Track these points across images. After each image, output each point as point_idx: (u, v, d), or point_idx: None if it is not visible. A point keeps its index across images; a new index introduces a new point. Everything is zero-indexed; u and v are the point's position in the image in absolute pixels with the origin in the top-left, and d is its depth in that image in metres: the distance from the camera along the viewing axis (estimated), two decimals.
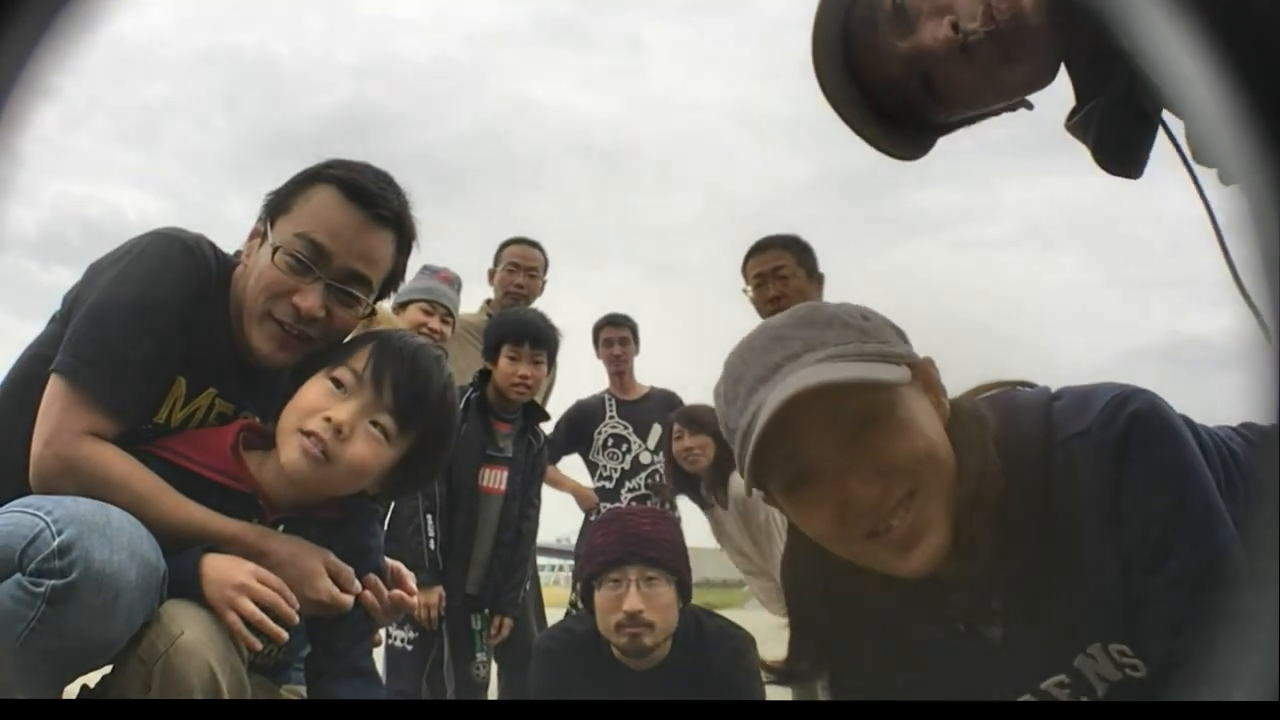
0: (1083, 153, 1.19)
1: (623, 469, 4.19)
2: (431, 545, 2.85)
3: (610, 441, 4.21)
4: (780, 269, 3.07)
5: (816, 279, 3.09)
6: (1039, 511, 1.00)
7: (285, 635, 1.34)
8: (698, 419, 3.65)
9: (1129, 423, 0.97)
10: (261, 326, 1.43)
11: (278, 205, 1.46)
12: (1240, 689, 0.49)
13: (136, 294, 1.40)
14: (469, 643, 2.99)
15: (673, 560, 2.35)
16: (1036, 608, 1.02)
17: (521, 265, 3.86)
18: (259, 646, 1.32)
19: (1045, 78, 1.16)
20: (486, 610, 3.03)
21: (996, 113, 1.22)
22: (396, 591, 1.56)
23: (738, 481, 4.04)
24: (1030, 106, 1.19)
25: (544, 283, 3.91)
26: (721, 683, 2.31)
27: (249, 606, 1.30)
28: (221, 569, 1.32)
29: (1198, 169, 1.05)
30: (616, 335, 4.29)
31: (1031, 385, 1.14)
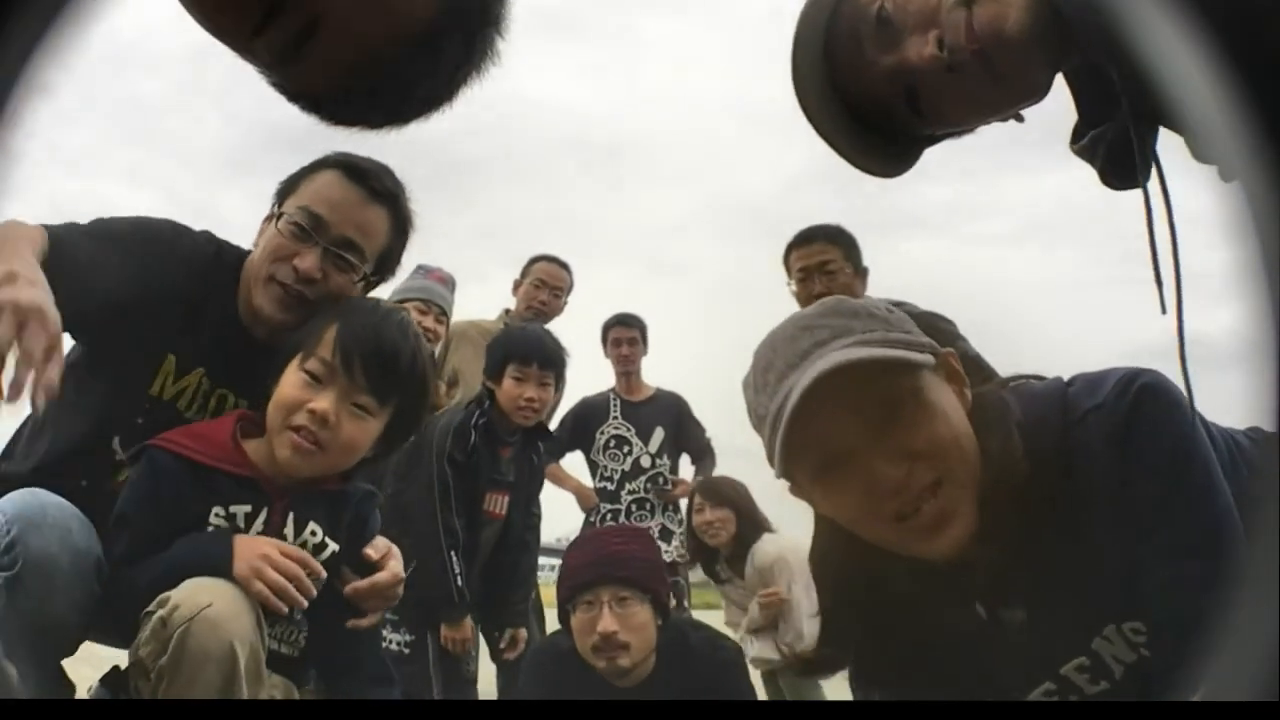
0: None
1: (623, 470, 4.18)
2: (459, 581, 2.82)
3: (612, 442, 4.20)
4: (827, 263, 2.89)
5: (861, 273, 2.95)
6: (1059, 492, 1.02)
7: (304, 602, 1.43)
8: (719, 492, 3.65)
9: (1139, 394, 1.00)
10: (266, 289, 1.57)
11: (287, 188, 1.62)
12: (1240, 689, 0.49)
13: (130, 221, 1.57)
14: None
15: (645, 578, 2.32)
16: (1057, 589, 1.04)
17: (548, 283, 3.90)
18: (284, 610, 1.41)
19: (1036, 95, 1.12)
20: (488, 624, 3.05)
21: (985, 124, 1.19)
22: (365, 584, 1.56)
23: (760, 552, 3.99)
24: (1021, 119, 1.16)
25: (565, 303, 3.93)
26: (710, 696, 2.29)
27: (273, 575, 1.38)
28: (249, 543, 1.42)
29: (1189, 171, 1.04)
30: (625, 336, 4.28)
31: (1042, 378, 1.16)
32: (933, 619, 1.11)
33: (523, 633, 3.09)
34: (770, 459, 1.06)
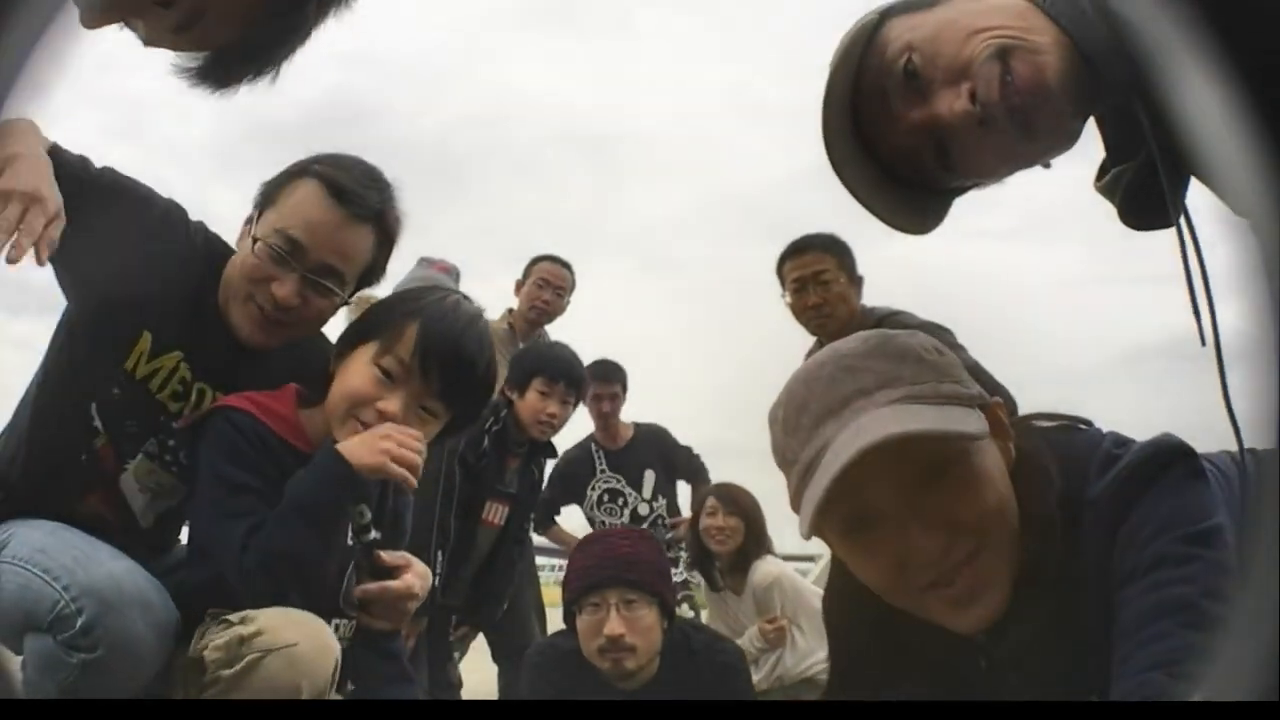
0: (1086, 145, 1.16)
1: (622, 523, 4.11)
2: (436, 582, 2.78)
3: (605, 497, 4.14)
4: (822, 273, 2.85)
5: (856, 282, 2.92)
6: (1087, 574, 0.97)
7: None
8: (735, 500, 3.62)
9: (1175, 492, 0.95)
10: (244, 307, 1.52)
11: (266, 197, 1.55)
12: (1240, 689, 0.49)
13: (135, 186, 1.53)
14: (449, 645, 3.04)
15: (653, 581, 2.31)
16: (1060, 656, 1.00)
17: (551, 282, 3.87)
18: (415, 484, 1.47)
19: (1068, 143, 1.07)
20: (454, 618, 3.05)
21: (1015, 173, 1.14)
22: (375, 588, 1.55)
23: (760, 571, 3.94)
24: (1048, 166, 1.11)
25: (568, 303, 3.93)
26: (711, 699, 2.28)
27: (402, 452, 1.41)
28: (360, 440, 1.43)
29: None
30: (606, 392, 4.12)
31: (1088, 424, 1.09)
32: (941, 675, 1.06)
33: (473, 632, 3.13)
34: (794, 506, 1.00)
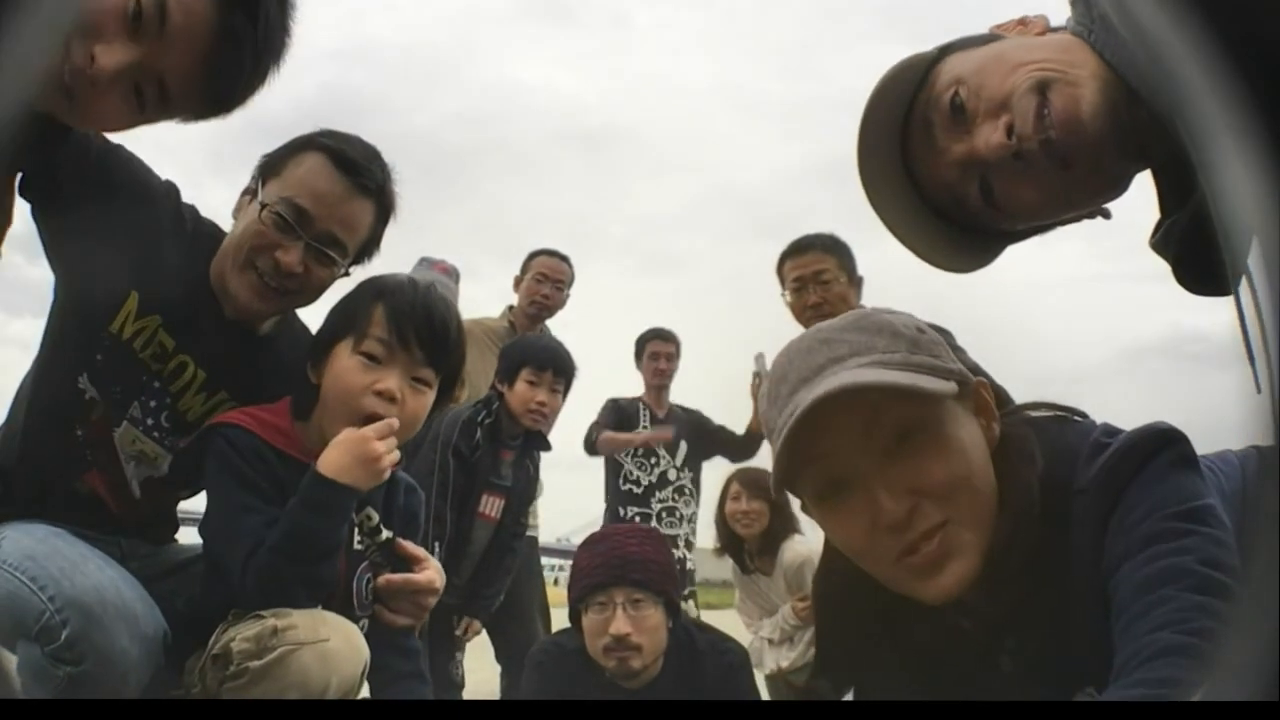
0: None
1: (650, 481, 4.22)
2: None
3: (640, 451, 4.25)
4: (822, 273, 2.89)
5: (856, 282, 2.96)
6: (1071, 558, 0.97)
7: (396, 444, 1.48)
8: (759, 483, 3.64)
9: (1163, 477, 0.95)
10: (243, 275, 1.53)
11: (270, 167, 1.57)
12: (1240, 689, 0.49)
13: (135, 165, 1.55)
14: (450, 643, 3.03)
15: (659, 581, 2.32)
16: (1050, 646, 1.00)
17: (549, 277, 3.88)
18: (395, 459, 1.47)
19: (1113, 187, 1.06)
20: (455, 616, 3.06)
21: (1067, 222, 1.13)
22: (399, 579, 1.57)
23: (790, 551, 3.95)
24: (1108, 216, 1.10)
25: (568, 296, 3.92)
26: (716, 698, 2.29)
27: (381, 446, 1.43)
28: (336, 447, 1.42)
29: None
30: (664, 350, 4.33)
31: (1083, 416, 1.09)
32: (927, 654, 1.06)
33: (477, 624, 3.15)
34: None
